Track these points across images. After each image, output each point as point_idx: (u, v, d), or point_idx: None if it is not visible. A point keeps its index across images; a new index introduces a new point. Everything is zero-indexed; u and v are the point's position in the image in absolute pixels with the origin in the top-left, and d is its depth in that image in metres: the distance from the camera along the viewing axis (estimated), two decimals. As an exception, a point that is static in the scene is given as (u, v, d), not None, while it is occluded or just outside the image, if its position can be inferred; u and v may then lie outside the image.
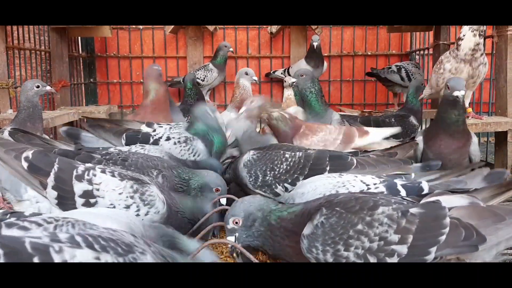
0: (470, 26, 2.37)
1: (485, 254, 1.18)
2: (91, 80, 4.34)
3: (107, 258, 0.91)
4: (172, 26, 3.89)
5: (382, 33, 4.29)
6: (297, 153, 1.88)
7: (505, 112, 2.67)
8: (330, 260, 1.15)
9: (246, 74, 3.28)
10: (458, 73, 2.44)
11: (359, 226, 1.15)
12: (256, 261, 1.37)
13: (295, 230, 1.26)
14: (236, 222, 1.36)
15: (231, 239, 1.36)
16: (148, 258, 0.97)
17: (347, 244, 1.14)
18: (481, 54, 2.41)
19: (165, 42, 4.30)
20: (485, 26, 2.39)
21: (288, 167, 1.83)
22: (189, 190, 1.79)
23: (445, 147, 2.05)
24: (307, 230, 1.21)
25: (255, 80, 3.29)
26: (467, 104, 2.64)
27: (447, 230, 1.14)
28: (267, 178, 1.84)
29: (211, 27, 4.00)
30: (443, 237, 1.13)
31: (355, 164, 1.82)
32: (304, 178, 1.79)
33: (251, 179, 1.88)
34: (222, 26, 4.25)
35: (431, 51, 3.68)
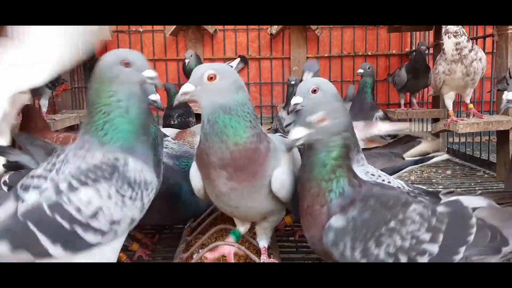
0: (444, 30, 2.44)
1: (495, 257, 1.16)
2: (92, 83, 4.35)
3: (103, 186, 1.09)
4: (172, 29, 3.90)
5: (382, 33, 4.30)
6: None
7: (506, 111, 2.66)
8: (357, 257, 1.08)
9: None
10: (452, 73, 2.49)
11: (392, 224, 1.09)
12: (259, 261, 1.37)
13: None
14: (322, 120, 1.07)
15: (300, 131, 1.08)
16: (130, 166, 1.12)
17: (379, 242, 1.08)
18: (470, 51, 2.44)
19: (165, 44, 4.31)
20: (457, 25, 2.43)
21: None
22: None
23: None
24: (337, 222, 1.09)
25: None
26: (468, 101, 2.66)
27: (474, 230, 1.12)
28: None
29: (211, 29, 4.01)
30: (471, 237, 1.11)
31: None
32: None
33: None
34: (221, 28, 4.25)
35: (431, 51, 3.68)
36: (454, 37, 2.41)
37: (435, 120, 3.37)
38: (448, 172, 3.01)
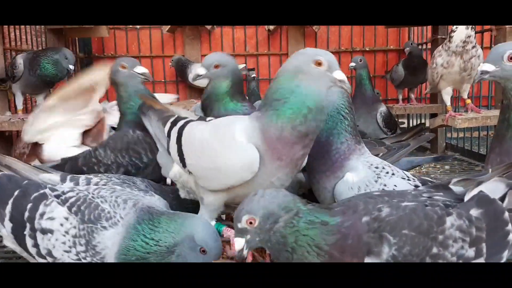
0: None
1: None
2: (89, 81, 4.33)
3: (71, 220, 1.15)
4: (169, 26, 3.88)
5: (379, 29, 4.29)
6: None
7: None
8: None
9: None
10: (450, 66, 2.48)
11: (435, 250, 0.97)
12: (261, 258, 1.37)
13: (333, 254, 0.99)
14: (251, 222, 1.01)
15: (240, 242, 1.04)
16: (107, 233, 1.14)
17: None
18: (473, 47, 2.44)
19: (163, 41, 4.29)
20: None
21: None
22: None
23: None
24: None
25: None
26: (465, 97, 2.66)
27: (510, 227, 1.02)
28: None
29: (208, 26, 3.99)
30: (510, 237, 1.02)
31: None
32: None
33: None
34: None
35: (429, 46, 3.68)
36: (470, 29, 2.38)
37: (433, 115, 3.37)
38: (447, 167, 3.01)
